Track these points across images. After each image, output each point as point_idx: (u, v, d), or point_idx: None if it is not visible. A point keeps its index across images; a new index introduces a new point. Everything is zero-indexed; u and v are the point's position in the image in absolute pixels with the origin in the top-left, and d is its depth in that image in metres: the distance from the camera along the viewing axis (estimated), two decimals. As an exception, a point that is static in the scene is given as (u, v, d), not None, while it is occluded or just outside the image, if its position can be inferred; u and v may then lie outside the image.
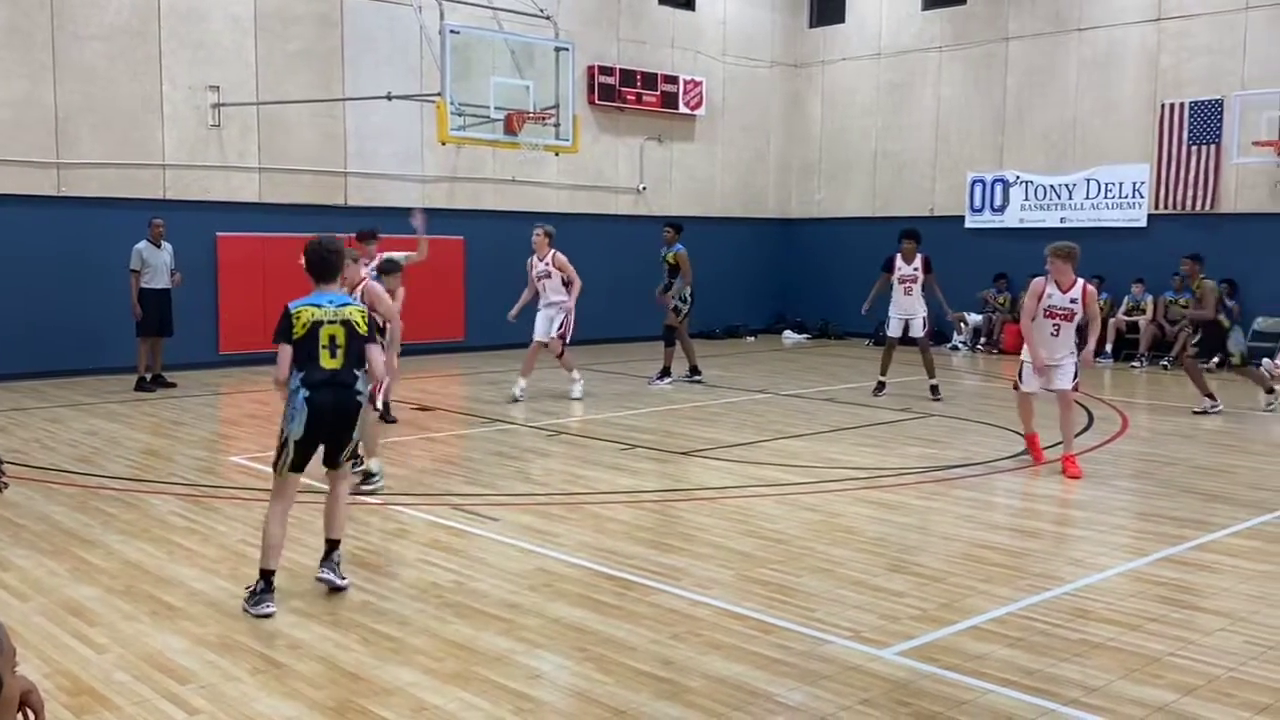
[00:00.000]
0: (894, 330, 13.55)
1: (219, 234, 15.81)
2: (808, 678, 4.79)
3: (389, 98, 15.48)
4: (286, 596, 5.84)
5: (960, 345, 19.67)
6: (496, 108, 13.96)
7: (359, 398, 5.90)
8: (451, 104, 13.50)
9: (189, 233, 14.96)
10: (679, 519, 7.68)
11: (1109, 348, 17.75)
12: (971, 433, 11.06)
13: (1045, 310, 9.17)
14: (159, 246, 13.64)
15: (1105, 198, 18.68)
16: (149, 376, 13.77)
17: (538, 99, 14.35)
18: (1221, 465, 9.61)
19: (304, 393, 5.75)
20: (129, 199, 14.93)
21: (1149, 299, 17.80)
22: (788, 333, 22.01)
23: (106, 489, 8.37)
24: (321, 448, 5.93)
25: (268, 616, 5.53)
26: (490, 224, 18.38)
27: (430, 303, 17.28)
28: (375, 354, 6.08)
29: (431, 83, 15.63)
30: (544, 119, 14.43)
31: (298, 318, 5.85)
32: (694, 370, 14.55)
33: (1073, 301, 9.09)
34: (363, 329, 5.94)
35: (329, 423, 5.81)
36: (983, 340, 19.70)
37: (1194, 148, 17.60)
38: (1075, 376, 9.23)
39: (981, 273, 19.35)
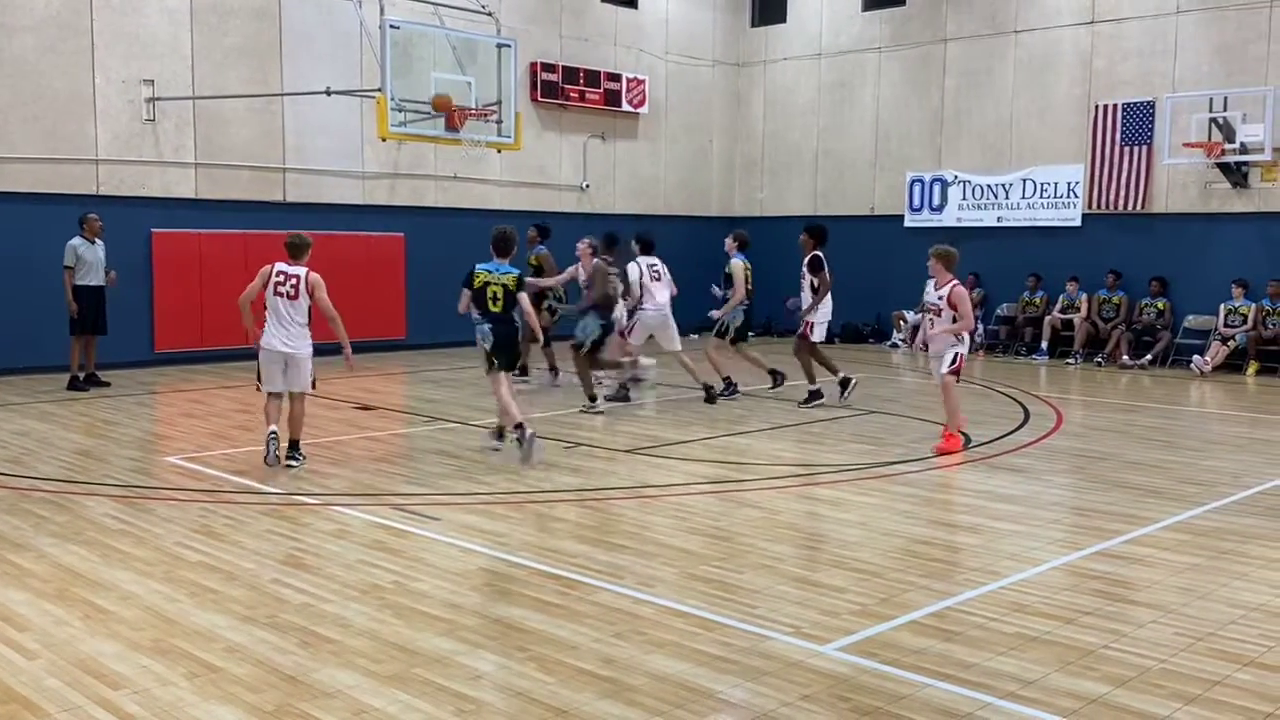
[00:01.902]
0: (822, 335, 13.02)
1: (154, 230, 15.54)
2: (749, 674, 4.82)
3: (328, 93, 15.33)
4: (225, 600, 5.76)
5: (899, 343, 19.89)
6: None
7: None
8: (392, 100, 13.40)
9: (124, 229, 14.69)
10: (622, 517, 7.69)
11: (1044, 344, 18.06)
12: (910, 430, 11.18)
13: (923, 305, 10.15)
14: (94, 243, 13.39)
15: (1041, 197, 18.99)
16: (82, 375, 13.52)
17: (480, 95, 14.29)
18: (1153, 460, 9.82)
19: (485, 326, 9.41)
20: (61, 194, 14.62)
21: (1083, 297, 18.12)
22: (731, 330, 22.05)
23: (38, 491, 8.20)
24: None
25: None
26: (432, 221, 18.26)
27: (371, 300, 17.15)
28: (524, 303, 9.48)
29: (371, 78, 15.51)
30: (486, 116, 14.36)
31: (477, 276, 9.43)
32: (553, 370, 14.15)
33: (939, 299, 9.87)
34: (513, 286, 9.40)
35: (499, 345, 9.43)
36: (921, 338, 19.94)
37: (1126, 149, 17.94)
38: (953, 362, 9.88)
39: (921, 272, 19.51)
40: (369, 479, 8.73)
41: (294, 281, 9.04)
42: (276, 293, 9.04)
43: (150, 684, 4.66)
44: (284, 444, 9.10)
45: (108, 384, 13.62)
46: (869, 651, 5.09)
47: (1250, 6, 16.70)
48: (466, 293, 9.41)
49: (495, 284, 9.33)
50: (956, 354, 9.89)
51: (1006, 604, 5.78)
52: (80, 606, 5.64)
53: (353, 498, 8.08)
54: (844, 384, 12.70)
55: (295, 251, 9.22)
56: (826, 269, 12.61)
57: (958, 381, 10.03)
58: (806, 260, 12.60)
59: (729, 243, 13.40)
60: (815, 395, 12.53)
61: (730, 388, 13.15)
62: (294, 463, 9.07)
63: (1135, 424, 11.90)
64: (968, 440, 10.34)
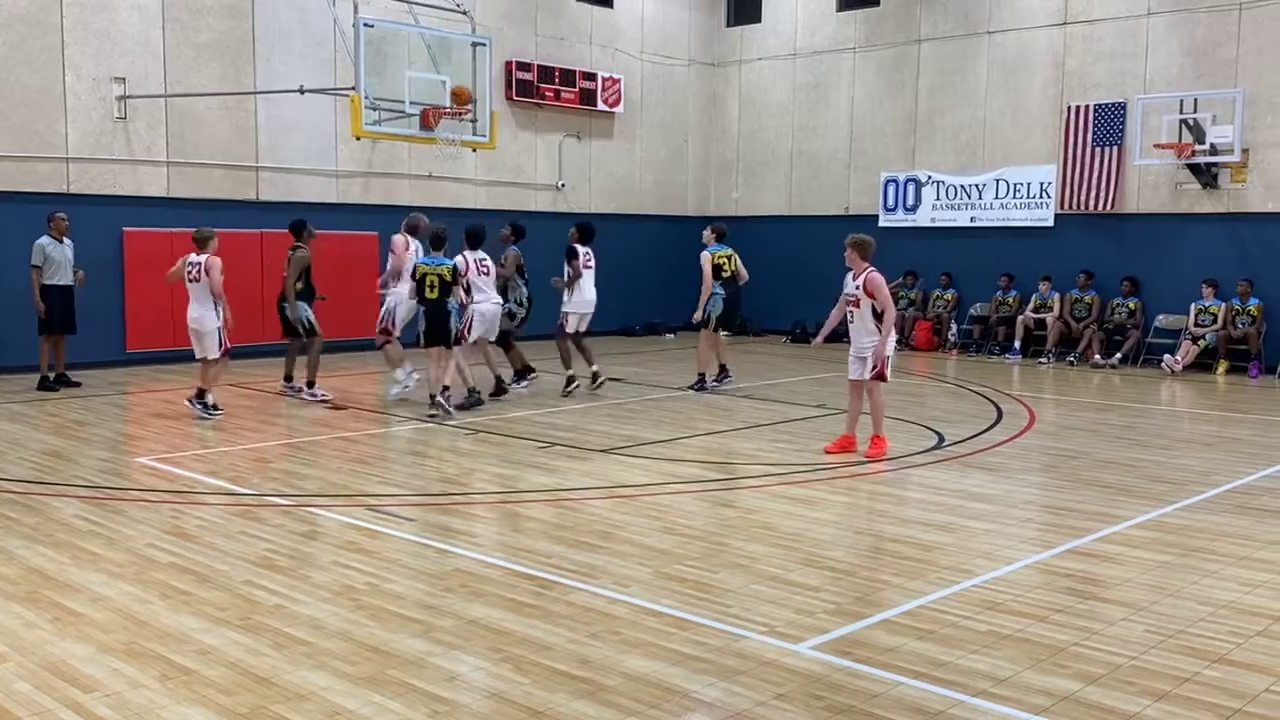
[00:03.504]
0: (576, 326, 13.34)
1: (126, 229, 15.41)
2: (724, 674, 4.83)
3: (301, 91, 15.26)
4: (197, 602, 5.72)
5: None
6: (412, 102, 13.82)
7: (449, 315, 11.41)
8: (366, 98, 13.34)
9: (95, 227, 14.56)
10: (597, 517, 7.68)
11: (1017, 344, 18.17)
12: (884, 429, 11.21)
13: (844, 298, 9.88)
14: (62, 242, 13.26)
15: (1014, 198, 19.10)
16: (52, 375, 13.39)
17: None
18: (1124, 459, 9.89)
19: (420, 309, 11.51)
20: (30, 193, 14.47)
21: (1055, 296, 18.24)
22: (706, 330, 22.08)
23: (7, 491, 8.11)
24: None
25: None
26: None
27: (344, 300, 17.06)
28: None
29: (345, 76, 15.44)
30: (461, 114, 14.32)
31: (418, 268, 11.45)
32: (522, 372, 13.64)
33: (857, 288, 9.68)
34: (448, 277, 11.30)
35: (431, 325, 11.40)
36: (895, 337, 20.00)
37: (1098, 149, 18.08)
38: (874, 367, 9.69)
39: (895, 271, 19.65)
40: (342, 480, 8.69)
41: (196, 268, 11.23)
42: (188, 279, 11.29)
43: (122, 687, 4.63)
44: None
45: (78, 384, 13.50)
46: (843, 650, 5.11)
47: (1220, 9, 16.86)
48: (412, 284, 11.53)
49: (433, 274, 11.32)
50: (886, 359, 9.65)
51: (979, 602, 5.81)
52: (50, 609, 5.58)
53: (326, 499, 8.04)
54: (571, 380, 13.19)
55: (200, 243, 11.41)
56: (580, 261, 13.14)
57: (885, 382, 9.79)
58: (565, 252, 13.28)
59: (706, 234, 13.74)
60: (571, 380, 13.17)
61: (724, 374, 13.80)
62: (194, 407, 11.35)
63: (1107, 423, 11.99)
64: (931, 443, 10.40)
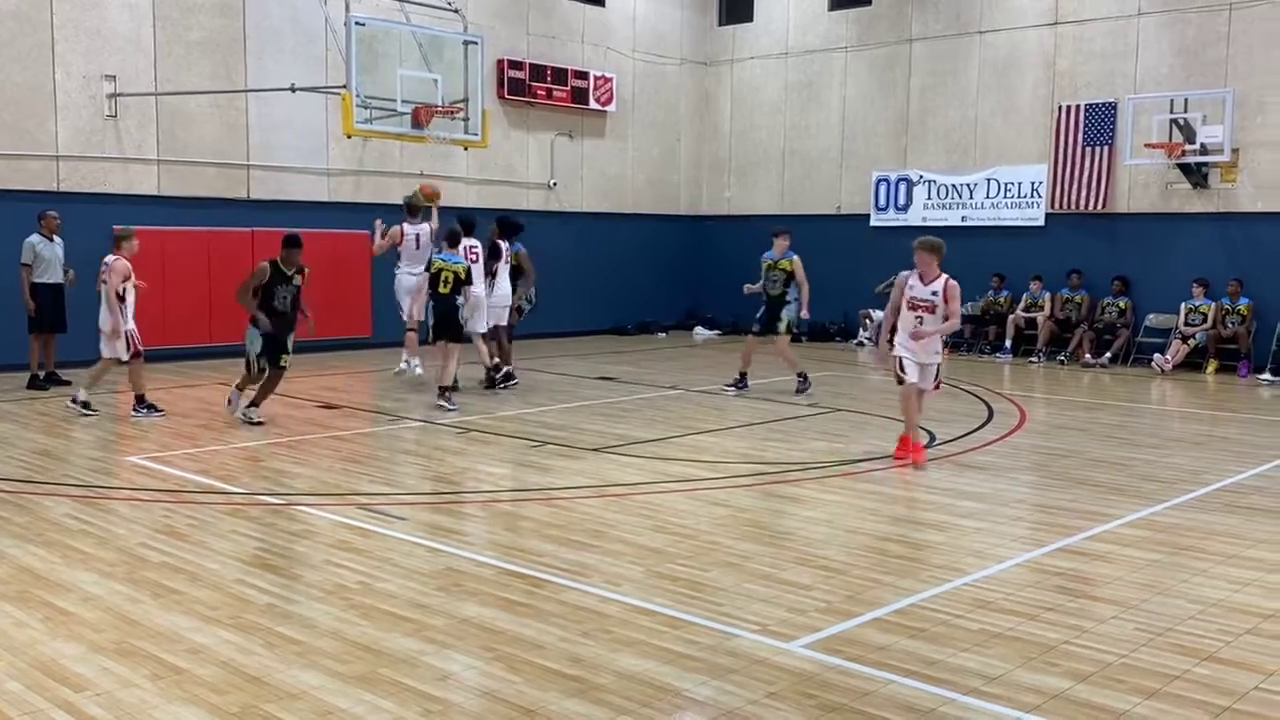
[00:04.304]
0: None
1: (117, 228, 15.30)
2: (716, 672, 4.83)
3: (293, 89, 15.23)
4: (188, 601, 5.72)
5: (865, 341, 20.00)
6: (403, 101, 13.81)
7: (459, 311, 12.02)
8: (357, 96, 13.33)
9: (85, 226, 14.47)
10: (589, 516, 7.68)
11: (1008, 343, 18.22)
12: (875, 427, 11.25)
13: (909, 302, 9.40)
14: (52, 240, 13.23)
15: (1005, 197, 19.14)
16: (42, 374, 13.36)
17: (446, 93, 14.24)
18: (1115, 458, 9.92)
19: (431, 304, 12.06)
20: (19, 191, 14.43)
21: (1046, 296, 18.29)
22: (699, 329, 22.13)
23: (-4, 491, 8.10)
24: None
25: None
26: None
27: (336, 299, 17.05)
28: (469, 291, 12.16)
29: (337, 74, 15.41)
30: (452, 113, 14.32)
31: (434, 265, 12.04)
32: (506, 375, 13.54)
33: (934, 294, 9.30)
34: (463, 276, 11.93)
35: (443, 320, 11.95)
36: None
37: (1088, 149, 18.12)
38: (936, 377, 9.59)
39: (886, 270, 19.64)
40: (334, 478, 8.68)
41: (105, 269, 11.06)
42: (99, 278, 11.14)
43: (113, 686, 4.62)
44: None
45: (69, 383, 13.45)
46: (834, 648, 5.12)
47: (1210, 9, 16.91)
48: (426, 275, 12.19)
49: (448, 271, 11.90)
50: (938, 367, 9.51)
51: (970, 600, 5.83)
52: (41, 608, 5.57)
53: (318, 497, 8.04)
54: (506, 376, 13.44)
55: (114, 241, 11.21)
56: (504, 257, 13.39)
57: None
58: (488, 248, 13.47)
59: (784, 242, 13.57)
60: (508, 376, 13.46)
61: (805, 382, 13.66)
62: (136, 414, 11.19)
63: (1097, 422, 12.03)
64: (932, 438, 10.42)
